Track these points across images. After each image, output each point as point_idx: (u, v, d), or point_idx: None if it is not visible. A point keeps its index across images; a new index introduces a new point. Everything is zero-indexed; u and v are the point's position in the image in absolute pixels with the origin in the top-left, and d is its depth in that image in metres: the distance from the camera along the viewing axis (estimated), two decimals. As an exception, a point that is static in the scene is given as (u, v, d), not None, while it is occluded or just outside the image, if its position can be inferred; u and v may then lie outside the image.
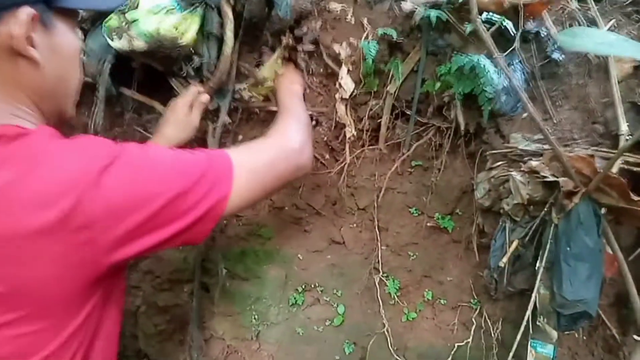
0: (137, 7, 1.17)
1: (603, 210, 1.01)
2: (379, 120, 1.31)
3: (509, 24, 1.11)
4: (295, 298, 1.38)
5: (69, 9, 0.70)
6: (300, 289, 1.39)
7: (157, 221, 0.65)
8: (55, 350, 0.62)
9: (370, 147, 1.34)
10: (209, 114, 1.28)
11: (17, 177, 0.57)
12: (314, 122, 1.34)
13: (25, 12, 0.60)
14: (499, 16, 1.10)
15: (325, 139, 1.34)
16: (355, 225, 1.38)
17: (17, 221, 0.56)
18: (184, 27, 1.18)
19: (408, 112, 1.29)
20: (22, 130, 0.61)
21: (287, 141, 0.95)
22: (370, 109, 1.30)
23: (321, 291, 1.39)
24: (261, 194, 0.83)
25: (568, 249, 0.99)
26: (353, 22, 1.29)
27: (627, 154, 1.05)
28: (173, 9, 1.16)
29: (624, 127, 1.09)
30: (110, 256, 0.62)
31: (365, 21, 1.28)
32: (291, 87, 1.24)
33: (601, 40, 0.75)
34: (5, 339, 0.58)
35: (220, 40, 1.22)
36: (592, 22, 1.25)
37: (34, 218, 0.56)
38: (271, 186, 0.86)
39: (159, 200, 0.64)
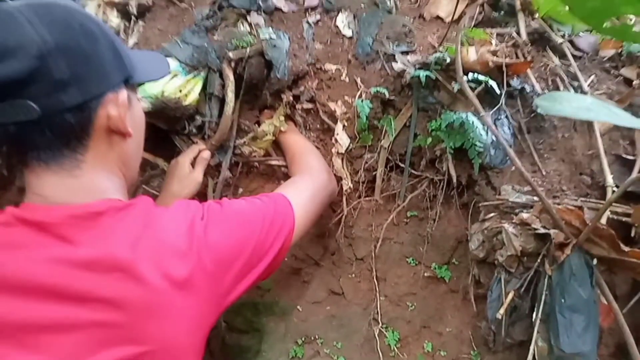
0: (143, 72, 1.24)
1: (595, 261, 1.03)
2: (374, 173, 1.35)
3: (494, 84, 1.17)
4: (295, 351, 1.38)
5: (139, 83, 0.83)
6: (300, 341, 1.39)
7: (252, 262, 0.77)
8: None
9: (367, 198, 1.37)
10: (211, 169, 1.33)
11: (142, 237, 0.64)
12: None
13: (124, 96, 0.69)
14: (484, 76, 1.17)
15: (323, 190, 1.38)
16: (353, 275, 1.39)
17: (155, 280, 0.62)
18: (188, 89, 1.25)
19: (402, 165, 1.34)
20: (128, 202, 0.69)
21: (318, 174, 1.13)
22: (366, 162, 1.35)
23: (321, 343, 1.38)
24: (311, 222, 1.00)
25: (563, 300, 1.01)
26: (347, 81, 1.37)
27: (615, 204, 1.08)
28: (178, 73, 1.24)
29: (609, 179, 1.13)
30: (225, 301, 0.73)
31: (358, 80, 1.35)
32: (296, 134, 1.36)
33: (578, 104, 0.80)
34: None
35: (222, 101, 1.28)
36: (574, 78, 1.33)
37: (169, 278, 0.63)
38: (316, 214, 1.03)
39: (250, 244, 0.76)
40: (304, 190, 1.00)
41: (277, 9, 1.46)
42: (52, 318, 0.58)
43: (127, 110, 0.71)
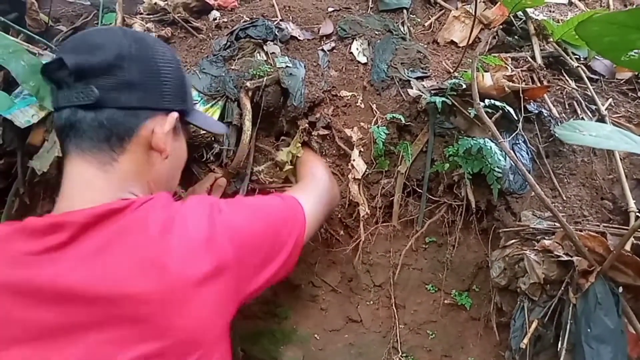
0: (163, 102, 1.27)
1: (620, 289, 1.01)
2: (391, 198, 1.35)
3: (511, 109, 1.17)
4: (313, 379, 1.35)
5: (191, 124, 0.91)
6: (318, 370, 1.37)
7: (272, 253, 0.78)
8: None
9: (384, 224, 1.36)
10: (228, 197, 1.34)
11: (163, 233, 0.65)
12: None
13: (173, 120, 0.76)
14: (500, 102, 1.17)
15: (340, 216, 1.38)
16: (372, 302, 1.37)
17: (181, 271, 0.63)
18: (206, 118, 1.27)
19: (419, 190, 1.33)
20: (147, 197, 0.71)
21: (321, 177, 1.17)
22: (383, 188, 1.35)
23: (339, 372, 1.36)
24: (319, 223, 1.04)
25: (589, 330, 0.98)
26: (363, 107, 1.38)
27: (640, 230, 1.06)
28: (197, 102, 1.26)
29: (632, 204, 1.11)
30: (246, 289, 0.74)
31: (374, 106, 1.36)
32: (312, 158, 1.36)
33: (598, 133, 0.80)
34: None
35: (239, 129, 1.30)
36: (591, 101, 1.32)
37: (195, 268, 0.64)
38: (324, 215, 1.06)
39: (270, 233, 0.79)
40: (310, 192, 1.03)
41: (293, 38, 1.49)
42: (81, 318, 0.60)
43: (171, 135, 0.77)
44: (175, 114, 0.77)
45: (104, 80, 0.69)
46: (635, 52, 0.72)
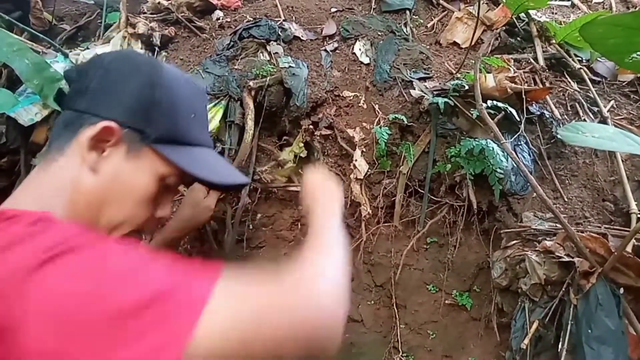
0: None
1: (621, 291, 1.01)
2: (393, 199, 1.35)
3: (513, 111, 1.18)
4: (313, 379, 1.35)
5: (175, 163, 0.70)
6: (318, 369, 1.37)
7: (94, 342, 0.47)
8: None
9: (386, 224, 1.37)
10: (230, 196, 1.34)
11: None
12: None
13: (102, 125, 0.66)
14: (503, 103, 1.17)
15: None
16: (373, 302, 1.38)
17: None
18: (209, 118, 1.27)
19: (421, 191, 1.33)
20: (19, 212, 0.58)
21: (302, 286, 0.60)
22: (384, 188, 1.35)
23: (340, 371, 1.36)
24: (240, 350, 0.52)
25: (590, 331, 0.98)
26: (365, 107, 1.38)
27: (641, 231, 1.06)
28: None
29: (634, 205, 1.12)
30: None
31: (376, 107, 1.37)
32: (330, 203, 0.88)
33: (600, 135, 0.80)
34: None
35: (242, 128, 1.31)
36: (593, 103, 1.32)
37: None
38: (257, 344, 0.53)
39: (97, 314, 0.48)
40: (251, 298, 0.55)
41: (296, 38, 1.50)
42: None
43: (104, 143, 0.66)
44: (107, 123, 0.65)
45: (74, 85, 0.72)
46: (639, 54, 0.73)
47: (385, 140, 1.28)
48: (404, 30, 1.57)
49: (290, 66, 1.35)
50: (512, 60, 1.42)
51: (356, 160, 1.32)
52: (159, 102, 0.70)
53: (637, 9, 1.65)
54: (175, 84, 0.73)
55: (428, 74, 1.41)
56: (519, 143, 1.24)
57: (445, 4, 1.68)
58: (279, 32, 1.45)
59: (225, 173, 0.79)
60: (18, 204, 0.64)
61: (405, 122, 1.30)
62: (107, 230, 0.69)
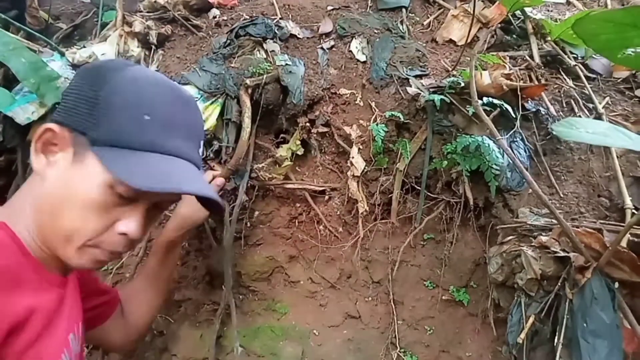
0: (163, 99, 1.27)
1: (616, 285, 1.02)
2: (390, 195, 1.36)
3: (509, 107, 1.18)
4: (312, 375, 1.36)
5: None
6: (317, 366, 1.37)
7: None
8: None
9: (383, 221, 1.38)
10: (228, 193, 1.35)
11: None
12: (327, 197, 1.40)
13: (43, 127, 0.65)
14: (498, 100, 1.18)
15: (339, 213, 1.39)
16: (370, 299, 1.38)
17: None
18: (206, 115, 1.28)
19: (418, 188, 1.34)
20: None
21: None
22: (381, 185, 1.35)
23: (338, 367, 1.37)
24: None
25: (585, 325, 0.99)
26: (362, 105, 1.39)
27: (636, 227, 1.07)
28: (197, 99, 1.27)
29: (628, 201, 1.13)
30: None
31: (373, 104, 1.37)
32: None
33: (594, 130, 0.81)
34: None
35: (239, 126, 1.31)
36: (588, 100, 1.33)
37: None
38: None
39: None
40: None
41: (292, 36, 1.50)
42: None
43: (67, 159, 0.64)
44: (47, 125, 0.65)
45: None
46: (631, 51, 0.73)
47: (382, 138, 1.29)
48: (400, 28, 1.57)
49: (286, 64, 1.35)
50: (508, 58, 1.43)
51: (353, 157, 1.33)
52: (101, 102, 0.64)
53: (629, 4, 1.66)
54: (132, 85, 0.66)
55: (424, 71, 1.42)
56: (515, 139, 1.24)
57: (441, 2, 1.68)
58: (276, 30, 1.46)
59: (178, 182, 0.65)
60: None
61: (402, 120, 1.31)
62: (62, 241, 0.65)
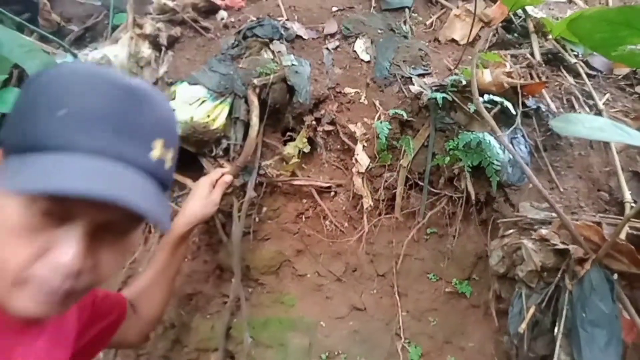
0: (174, 99, 1.32)
1: (615, 276, 1.05)
2: (394, 191, 1.39)
3: (509, 105, 1.21)
4: (319, 366, 1.40)
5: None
6: (324, 356, 1.41)
7: None
8: None
9: (387, 215, 1.41)
10: (236, 190, 1.39)
11: None
12: (332, 193, 1.44)
13: None
14: (499, 97, 1.21)
15: (344, 208, 1.43)
16: (375, 291, 1.42)
17: None
18: (215, 114, 1.32)
19: (421, 183, 1.38)
20: None
21: None
22: (385, 181, 1.39)
23: (345, 358, 1.40)
24: None
25: (584, 315, 1.02)
26: (366, 103, 1.42)
27: (634, 219, 1.10)
28: (206, 99, 1.31)
29: (627, 195, 1.15)
30: None
31: (377, 103, 1.41)
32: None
33: (592, 125, 0.84)
34: None
35: (247, 125, 1.35)
36: (589, 97, 1.36)
37: None
38: None
39: None
40: None
41: (298, 37, 1.54)
42: None
43: None
44: None
45: None
46: (624, 48, 0.76)
47: (386, 135, 1.32)
48: (404, 28, 1.61)
49: (293, 64, 1.39)
50: (509, 56, 1.46)
51: (358, 154, 1.36)
52: (22, 105, 0.55)
53: (624, 4, 1.68)
54: (55, 82, 0.54)
55: (427, 70, 1.45)
56: (516, 136, 1.28)
57: (443, 2, 1.71)
58: (282, 32, 1.49)
59: (71, 181, 0.48)
60: None
61: (405, 117, 1.34)
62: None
